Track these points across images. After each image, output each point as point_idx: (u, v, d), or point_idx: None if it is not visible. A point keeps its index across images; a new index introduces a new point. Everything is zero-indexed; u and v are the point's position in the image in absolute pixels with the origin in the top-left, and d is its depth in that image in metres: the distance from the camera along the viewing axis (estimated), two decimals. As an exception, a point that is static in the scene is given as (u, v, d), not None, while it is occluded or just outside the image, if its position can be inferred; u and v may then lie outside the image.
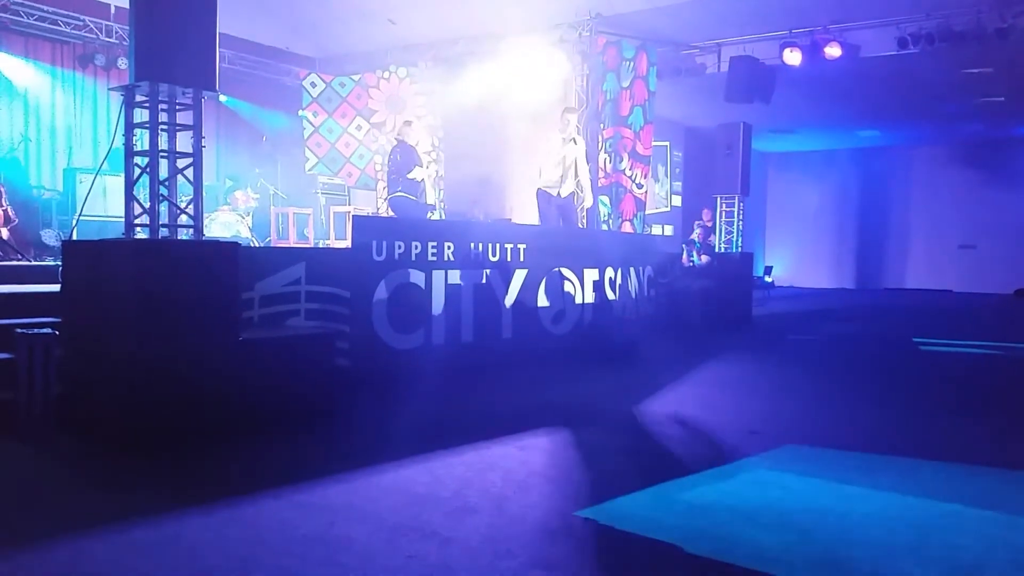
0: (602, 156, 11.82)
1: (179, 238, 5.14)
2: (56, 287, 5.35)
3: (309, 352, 5.05)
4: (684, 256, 11.85)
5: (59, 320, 4.95)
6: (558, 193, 8.95)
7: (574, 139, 9.00)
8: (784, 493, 3.67)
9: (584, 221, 12.21)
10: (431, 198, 10.64)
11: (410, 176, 9.02)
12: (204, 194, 5.35)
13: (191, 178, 5.14)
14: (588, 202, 9.22)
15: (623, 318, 8.84)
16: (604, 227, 11.62)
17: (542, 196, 9.03)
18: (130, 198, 5.03)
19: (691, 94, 14.03)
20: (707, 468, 4.05)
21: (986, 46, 10.66)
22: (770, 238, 23.17)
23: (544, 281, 7.56)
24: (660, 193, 17.72)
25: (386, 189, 9.25)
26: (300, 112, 13.63)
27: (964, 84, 13.69)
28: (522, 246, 7.33)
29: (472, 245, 6.88)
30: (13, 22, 11.22)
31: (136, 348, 4.20)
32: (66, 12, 11.70)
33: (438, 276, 6.55)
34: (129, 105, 4.99)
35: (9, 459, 4.14)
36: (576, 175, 8.91)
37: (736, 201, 13.13)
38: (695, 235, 12.06)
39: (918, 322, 12.67)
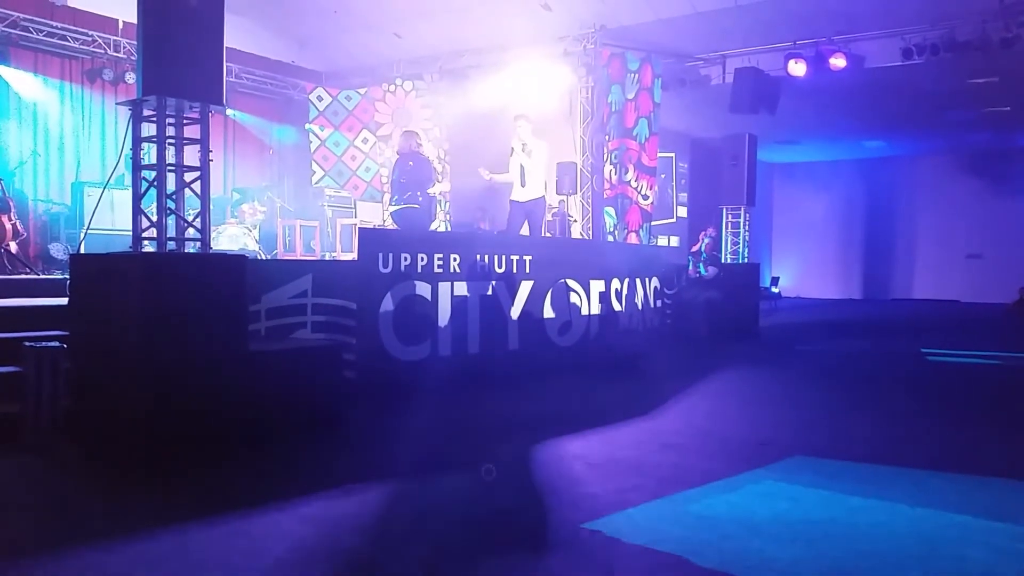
0: (607, 168, 11.84)
1: (186, 251, 5.16)
2: (64, 300, 5.38)
3: (316, 364, 5.06)
4: (690, 267, 11.83)
5: (67, 333, 4.97)
6: (522, 199, 8.93)
7: (524, 144, 8.87)
8: (792, 505, 3.66)
9: (590, 232, 12.24)
10: (438, 213, 10.66)
11: (430, 191, 8.96)
12: (211, 207, 5.37)
13: (198, 191, 5.16)
14: (539, 192, 9.04)
15: (629, 329, 8.83)
16: (610, 238, 11.63)
17: (511, 205, 9.06)
18: (137, 212, 5.05)
19: (696, 105, 14.05)
20: (715, 480, 4.04)
21: (991, 56, 10.66)
22: (776, 249, 23.13)
23: (550, 292, 7.56)
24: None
25: (393, 198, 9.21)
26: (307, 126, 13.72)
27: (969, 94, 13.68)
28: (528, 257, 7.34)
29: (478, 257, 6.90)
30: (22, 38, 11.34)
31: (143, 361, 4.21)
32: (75, 28, 11.82)
33: (444, 288, 6.56)
34: (137, 119, 5.02)
35: (17, 471, 4.15)
36: (530, 176, 8.86)
37: (742, 212, 13.12)
38: (702, 246, 12.04)
39: (925, 332, 12.62)
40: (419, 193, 8.78)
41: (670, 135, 15.14)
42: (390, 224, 12.58)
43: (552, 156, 13.15)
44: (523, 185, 8.85)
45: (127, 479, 4.02)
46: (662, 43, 12.01)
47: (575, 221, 12.73)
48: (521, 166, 8.79)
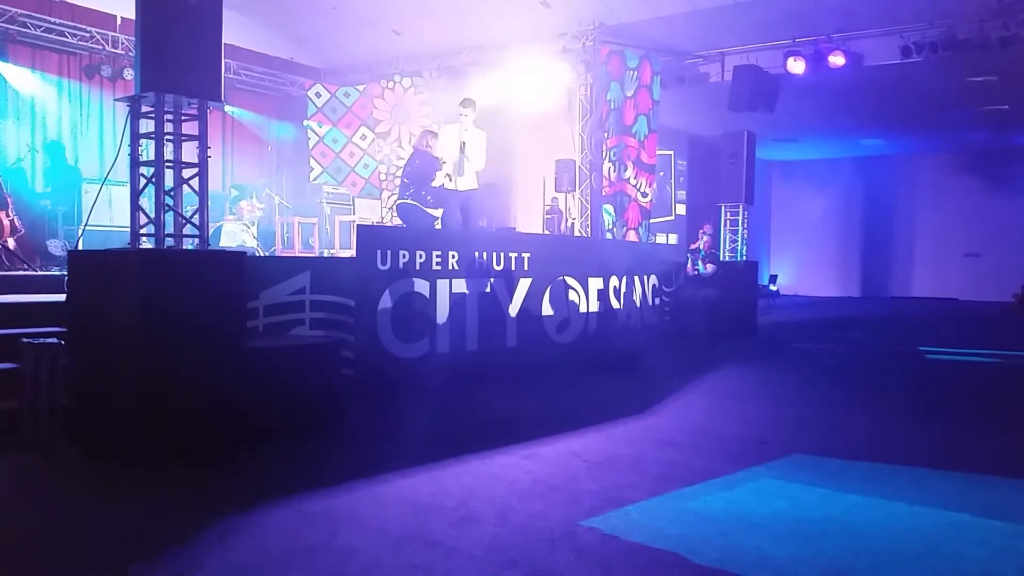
0: (606, 165, 11.84)
1: (184, 248, 5.16)
2: (62, 297, 5.37)
3: (314, 361, 5.06)
4: (689, 265, 11.83)
5: (65, 330, 4.96)
6: (457, 189, 8.32)
7: (464, 131, 8.27)
8: (790, 503, 3.66)
9: (588, 229, 12.23)
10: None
11: (435, 185, 8.67)
12: (210, 203, 5.37)
13: (196, 188, 5.16)
14: (471, 184, 8.37)
15: (628, 327, 8.83)
16: (608, 236, 11.62)
17: (447, 195, 8.40)
18: (136, 208, 5.05)
19: (695, 103, 14.05)
20: (713, 478, 4.04)
21: (990, 54, 10.67)
22: (775, 247, 23.14)
23: (548, 290, 7.56)
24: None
25: (396, 195, 9.14)
26: (305, 122, 13.71)
27: (968, 92, 13.69)
28: (526, 255, 7.34)
29: (476, 254, 6.89)
30: (20, 34, 11.31)
31: (141, 357, 4.21)
32: (73, 24, 11.79)
33: (442, 285, 6.56)
34: (135, 115, 5.01)
35: (14, 469, 4.14)
36: (467, 166, 8.25)
37: (740, 210, 13.12)
38: (701, 244, 12.05)
39: (924, 330, 12.63)
40: (424, 191, 8.70)
41: (669, 132, 15.13)
42: (390, 219, 12.59)
43: (550, 154, 13.20)
44: (460, 174, 8.26)
45: (124, 476, 4.01)
46: (661, 40, 12.01)
47: (574, 219, 12.73)
48: (460, 154, 8.23)
